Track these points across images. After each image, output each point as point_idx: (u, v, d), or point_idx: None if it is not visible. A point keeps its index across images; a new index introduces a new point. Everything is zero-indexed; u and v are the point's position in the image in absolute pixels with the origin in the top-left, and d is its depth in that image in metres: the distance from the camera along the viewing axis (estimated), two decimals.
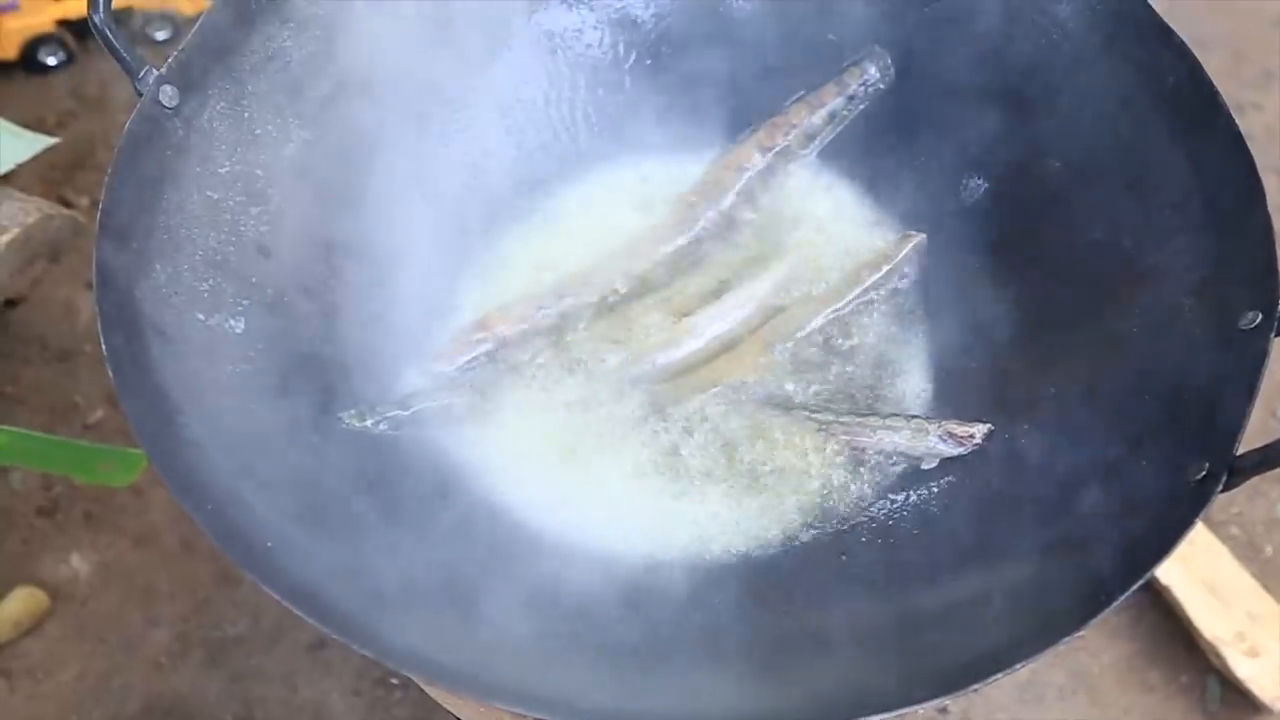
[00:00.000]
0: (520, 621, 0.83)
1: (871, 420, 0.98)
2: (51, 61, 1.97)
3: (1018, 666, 0.71)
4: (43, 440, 1.34)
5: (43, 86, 1.96)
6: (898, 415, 1.00)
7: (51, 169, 1.79)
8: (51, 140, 1.54)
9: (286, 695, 1.39)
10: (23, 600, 1.42)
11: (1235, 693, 1.36)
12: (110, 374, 0.78)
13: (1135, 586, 0.72)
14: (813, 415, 0.99)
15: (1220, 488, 0.76)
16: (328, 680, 1.39)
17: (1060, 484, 0.87)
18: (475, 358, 1.03)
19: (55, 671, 1.40)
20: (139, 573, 1.47)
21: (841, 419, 0.99)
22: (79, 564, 1.47)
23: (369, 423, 0.95)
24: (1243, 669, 1.33)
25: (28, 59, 1.95)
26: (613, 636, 0.84)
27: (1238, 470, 0.76)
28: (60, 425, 1.57)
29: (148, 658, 1.41)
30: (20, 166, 1.50)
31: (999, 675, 0.70)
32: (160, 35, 1.99)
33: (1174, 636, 1.40)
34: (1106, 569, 0.76)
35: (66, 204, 1.72)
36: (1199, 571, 1.39)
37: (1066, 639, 0.71)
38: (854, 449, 0.98)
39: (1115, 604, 0.72)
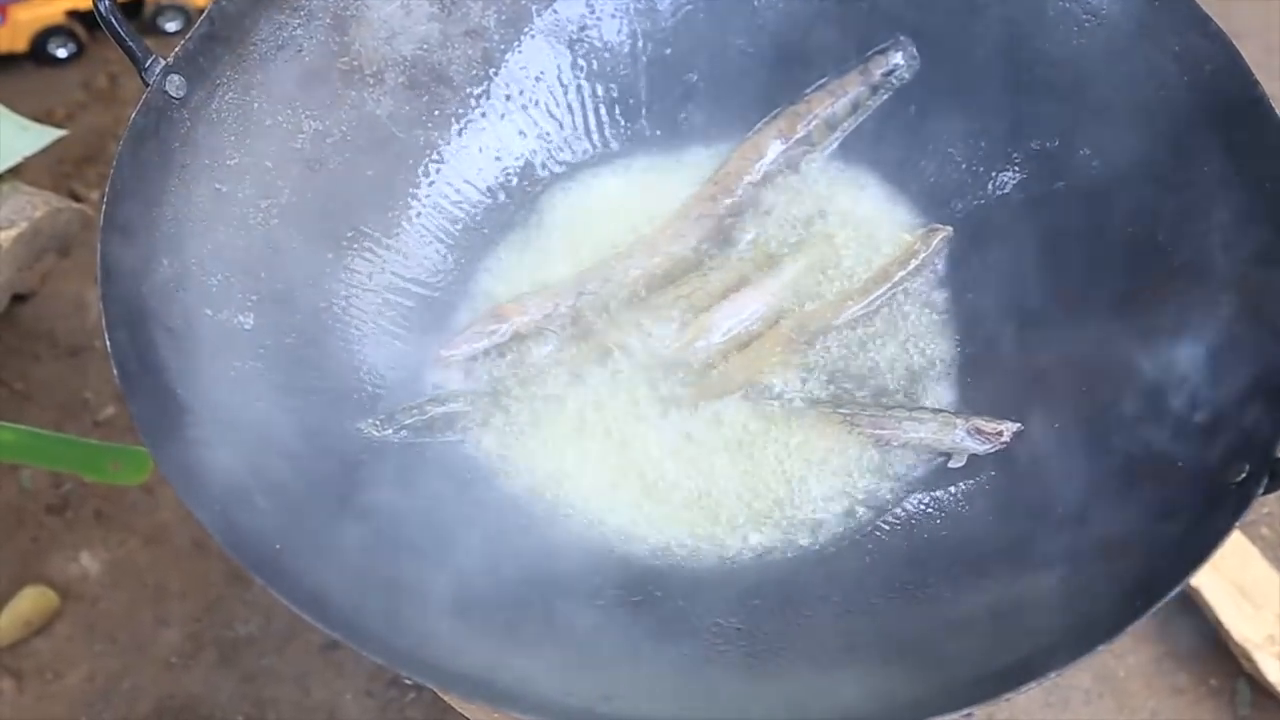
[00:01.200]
0: (536, 626, 0.81)
1: (897, 412, 0.97)
2: (61, 53, 1.95)
3: (1050, 676, 0.68)
4: (52, 438, 1.32)
5: (52, 78, 1.94)
6: (924, 409, 0.98)
7: (61, 162, 1.78)
8: (60, 133, 1.52)
9: (299, 696, 1.37)
10: (32, 599, 1.41)
11: (1266, 697, 1.33)
12: (115, 372, 0.76)
13: (1172, 593, 0.70)
14: (837, 409, 0.97)
15: (1261, 490, 0.73)
16: (340, 681, 1.37)
17: (1093, 485, 0.85)
18: (487, 349, 1.00)
19: (65, 672, 1.38)
20: (150, 572, 1.45)
21: (866, 410, 0.97)
22: (89, 563, 1.46)
23: (389, 432, 0.92)
24: (1273, 672, 1.30)
25: (37, 51, 1.93)
26: (627, 641, 0.83)
27: (1279, 472, 0.73)
28: (70, 422, 1.56)
29: (158, 658, 1.39)
30: (29, 160, 1.48)
31: (1030, 685, 0.68)
32: (171, 26, 1.97)
33: (1203, 639, 1.37)
34: (1141, 574, 0.74)
35: (76, 198, 1.71)
36: (1229, 573, 1.36)
37: (1100, 647, 0.69)
38: (879, 441, 0.95)
39: (1150, 611, 0.70)
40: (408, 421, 0.94)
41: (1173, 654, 1.37)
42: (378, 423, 0.92)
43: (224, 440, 0.79)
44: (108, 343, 0.77)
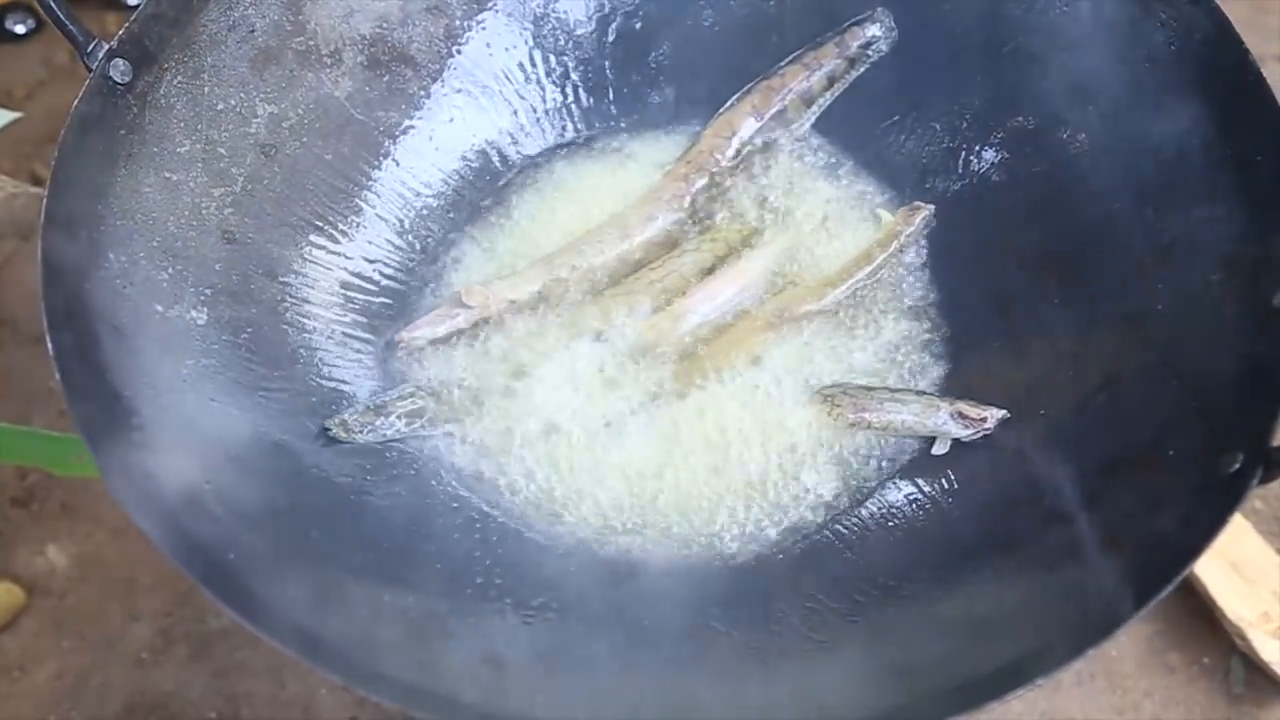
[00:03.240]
0: (504, 632, 0.78)
1: (879, 393, 0.94)
2: (20, 30, 1.90)
3: (1039, 681, 0.66)
4: (12, 432, 1.28)
5: (11, 56, 1.88)
6: (907, 390, 0.95)
7: (21, 143, 1.73)
8: (15, 115, 1.48)
9: (273, 690, 1.34)
10: None
11: (1260, 675, 1.31)
12: (58, 376, 0.72)
13: (1166, 590, 0.68)
14: (818, 390, 0.95)
15: (1256, 481, 0.71)
16: (315, 675, 1.34)
17: (1082, 477, 0.82)
18: (450, 333, 0.98)
19: (32, 670, 1.35)
20: (119, 565, 1.42)
21: (847, 392, 0.94)
22: (56, 557, 1.42)
23: (356, 434, 0.89)
24: (1268, 650, 1.28)
25: None
26: (605, 645, 0.80)
27: (1276, 461, 0.70)
28: (35, 412, 1.52)
29: (129, 654, 1.36)
30: None
31: (1019, 691, 0.66)
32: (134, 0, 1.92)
33: (1196, 617, 1.35)
34: (1132, 570, 0.72)
35: (36, 179, 1.66)
36: (1222, 549, 1.33)
37: (1091, 649, 0.66)
38: (859, 424, 0.93)
39: (1143, 610, 0.67)
40: (373, 422, 0.90)
41: (1165, 633, 1.35)
42: (341, 423, 0.89)
43: (174, 444, 0.76)
44: (49, 344, 0.73)
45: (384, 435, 0.90)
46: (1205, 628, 1.35)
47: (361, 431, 0.89)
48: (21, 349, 1.57)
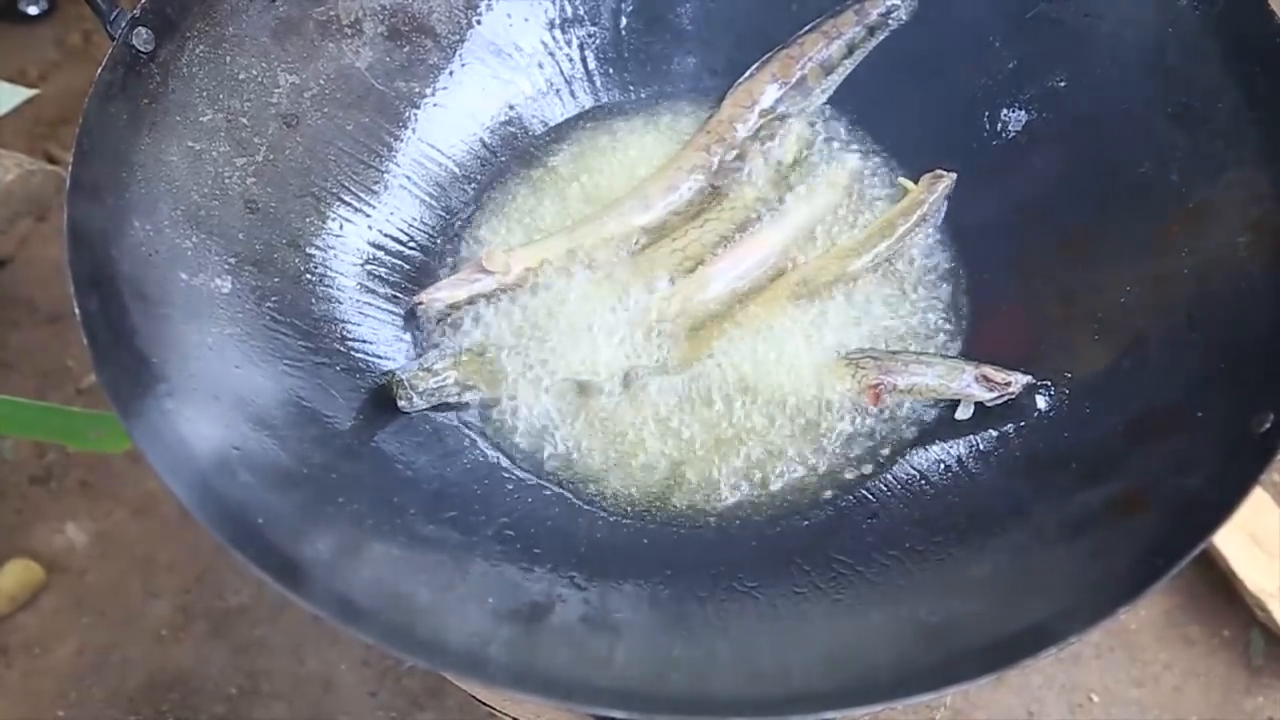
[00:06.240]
0: (534, 599, 0.78)
1: (904, 355, 0.94)
2: (33, 11, 1.90)
3: (1069, 640, 0.65)
4: (31, 407, 1.28)
5: (24, 37, 1.89)
6: (930, 354, 0.95)
7: (36, 123, 1.73)
8: (30, 92, 1.47)
9: (293, 666, 1.34)
10: (17, 573, 1.38)
11: None
12: (85, 341, 0.72)
13: (1196, 550, 0.67)
14: (844, 356, 0.95)
15: None
16: (335, 651, 1.35)
17: (1108, 439, 0.82)
18: (470, 298, 0.97)
19: (53, 646, 1.36)
20: (138, 542, 1.42)
21: (870, 353, 0.94)
22: (75, 534, 1.43)
23: (405, 403, 0.89)
24: None
25: (8, 8, 1.88)
26: (626, 604, 0.79)
27: None
28: (52, 390, 1.53)
29: (148, 630, 1.37)
30: (0, 121, 1.44)
31: (1048, 650, 0.65)
32: None
33: (1215, 589, 1.35)
34: (1162, 531, 0.72)
35: (52, 159, 1.66)
36: (1241, 521, 1.33)
37: (1120, 610, 0.66)
38: (883, 387, 0.92)
39: (1173, 571, 0.67)
40: (411, 394, 0.90)
41: (1185, 605, 1.35)
42: (401, 383, 0.89)
43: (201, 410, 0.76)
44: (76, 309, 0.73)
45: (426, 400, 0.90)
46: (1225, 600, 1.35)
47: (408, 403, 0.89)
48: (38, 328, 1.57)
